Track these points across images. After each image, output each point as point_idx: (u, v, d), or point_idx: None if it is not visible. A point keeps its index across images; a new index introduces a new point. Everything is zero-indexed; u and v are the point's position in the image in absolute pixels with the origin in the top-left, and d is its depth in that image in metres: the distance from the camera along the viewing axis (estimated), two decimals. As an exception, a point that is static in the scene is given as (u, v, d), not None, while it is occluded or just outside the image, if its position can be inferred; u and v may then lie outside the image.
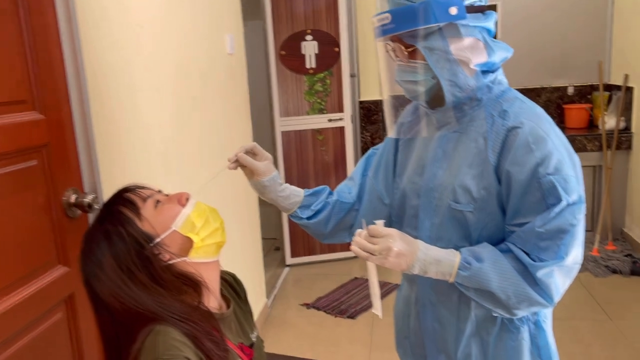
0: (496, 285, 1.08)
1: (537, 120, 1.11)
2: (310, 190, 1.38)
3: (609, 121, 3.94)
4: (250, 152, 1.29)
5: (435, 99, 1.18)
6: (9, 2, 1.20)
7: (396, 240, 1.07)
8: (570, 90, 4.32)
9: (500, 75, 1.18)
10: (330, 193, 1.40)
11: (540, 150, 1.07)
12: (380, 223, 1.10)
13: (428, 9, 1.06)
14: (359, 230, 1.10)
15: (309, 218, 1.36)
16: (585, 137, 4.00)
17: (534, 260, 1.07)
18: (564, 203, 1.05)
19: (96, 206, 1.40)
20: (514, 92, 1.19)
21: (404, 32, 1.09)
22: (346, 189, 1.41)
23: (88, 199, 1.39)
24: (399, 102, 1.29)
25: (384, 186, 1.36)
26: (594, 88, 4.26)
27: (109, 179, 1.53)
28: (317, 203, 1.36)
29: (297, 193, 1.35)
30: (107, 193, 1.39)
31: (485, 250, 1.11)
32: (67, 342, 1.37)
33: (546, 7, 4.19)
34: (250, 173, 1.30)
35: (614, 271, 3.55)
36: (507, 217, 1.13)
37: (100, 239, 0.99)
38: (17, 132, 1.22)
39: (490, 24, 1.13)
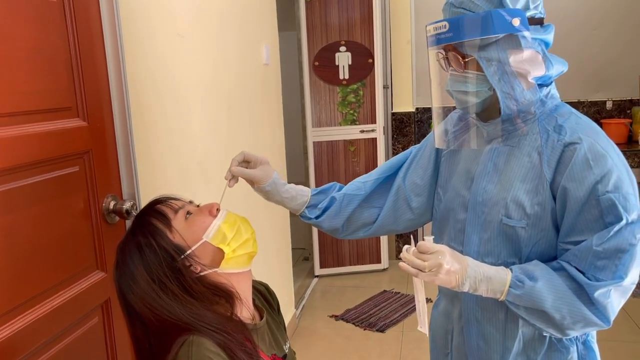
0: (550, 305, 1.05)
1: (595, 137, 1.08)
2: (318, 189, 1.36)
3: (650, 137, 3.83)
4: (244, 162, 1.28)
5: (486, 111, 1.16)
6: (55, 11, 1.23)
7: (446, 257, 1.04)
8: (609, 105, 4.22)
9: (553, 89, 1.16)
10: (341, 188, 1.38)
11: (599, 167, 1.04)
12: (429, 239, 1.07)
13: (489, 19, 1.04)
14: (406, 246, 1.08)
15: (317, 217, 1.34)
16: (624, 153, 3.88)
17: (590, 280, 1.04)
18: (623, 222, 1.02)
19: (134, 213, 1.42)
20: (567, 106, 1.16)
21: (462, 42, 1.08)
22: (362, 179, 1.39)
23: (126, 205, 1.41)
24: (449, 112, 1.27)
25: (412, 189, 1.34)
26: (633, 103, 4.15)
27: (147, 186, 1.55)
28: (324, 201, 1.34)
29: (303, 193, 1.33)
30: (144, 200, 1.41)
31: (538, 268, 1.08)
32: (102, 348, 1.39)
33: (585, 21, 4.11)
34: (251, 181, 1.29)
35: (654, 292, 3.43)
36: (561, 234, 1.10)
37: (132, 251, 1.00)
38: (62, 139, 1.24)
39: (549, 37, 1.11)
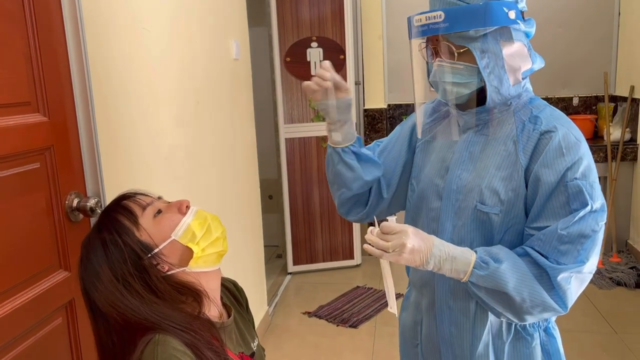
0: (512, 287, 1.07)
1: (569, 126, 1.12)
2: (363, 149, 1.32)
3: (614, 132, 3.92)
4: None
5: (468, 101, 1.18)
6: (15, 3, 1.19)
7: (409, 236, 1.05)
8: (575, 101, 4.31)
9: (528, 83, 1.19)
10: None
11: (571, 154, 1.08)
12: (392, 219, 1.09)
13: (488, 10, 1.06)
14: (370, 228, 1.09)
15: (357, 157, 1.30)
16: (590, 148, 3.97)
17: (552, 263, 1.07)
18: (588, 208, 1.06)
19: (99, 210, 1.38)
20: (542, 100, 1.20)
21: (456, 32, 1.09)
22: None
23: (91, 203, 1.37)
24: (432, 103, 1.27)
25: (385, 180, 1.35)
26: (598, 99, 4.25)
27: (112, 182, 1.51)
28: (366, 154, 1.30)
29: (352, 135, 1.29)
30: (110, 197, 1.37)
31: (502, 251, 1.11)
32: (67, 349, 1.35)
33: (551, 19, 4.18)
34: (337, 88, 1.23)
35: (619, 283, 3.52)
36: (529, 219, 1.13)
37: (97, 248, 0.97)
38: (21, 134, 1.20)
39: (532, 30, 1.14)
